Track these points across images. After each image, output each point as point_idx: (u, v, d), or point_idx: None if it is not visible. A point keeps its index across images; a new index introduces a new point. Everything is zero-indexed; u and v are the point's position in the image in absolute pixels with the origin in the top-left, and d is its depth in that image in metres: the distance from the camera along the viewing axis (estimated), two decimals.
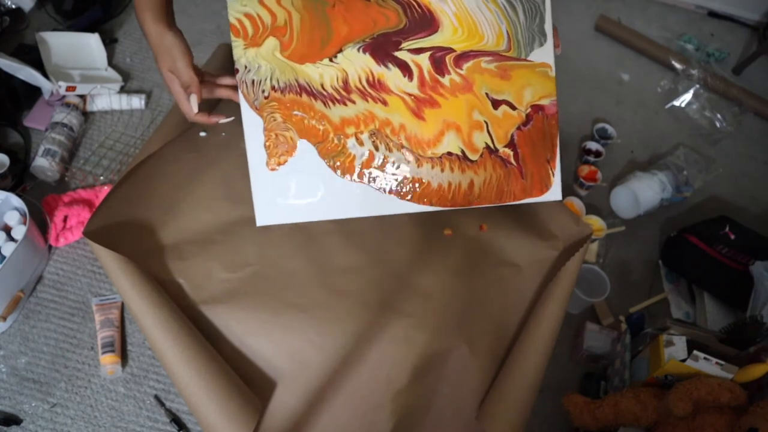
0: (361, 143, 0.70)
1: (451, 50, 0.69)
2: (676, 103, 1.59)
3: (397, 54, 0.69)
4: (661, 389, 0.90)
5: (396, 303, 0.78)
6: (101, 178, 1.16)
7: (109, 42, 1.37)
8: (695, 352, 0.86)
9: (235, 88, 0.72)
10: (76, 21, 1.37)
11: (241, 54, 0.68)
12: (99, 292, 1.02)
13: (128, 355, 0.96)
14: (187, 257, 0.80)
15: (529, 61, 0.71)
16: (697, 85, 1.59)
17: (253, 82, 0.69)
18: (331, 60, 0.68)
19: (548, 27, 0.72)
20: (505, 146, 0.72)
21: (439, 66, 0.69)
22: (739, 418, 0.80)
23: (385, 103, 0.69)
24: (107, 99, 1.25)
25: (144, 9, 0.67)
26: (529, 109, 0.72)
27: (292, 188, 0.72)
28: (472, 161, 0.71)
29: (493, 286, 0.84)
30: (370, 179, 0.72)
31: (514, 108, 0.71)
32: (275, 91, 0.69)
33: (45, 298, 1.00)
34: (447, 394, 0.76)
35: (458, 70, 0.69)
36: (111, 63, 1.35)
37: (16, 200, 0.99)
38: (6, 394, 0.90)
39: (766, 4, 1.82)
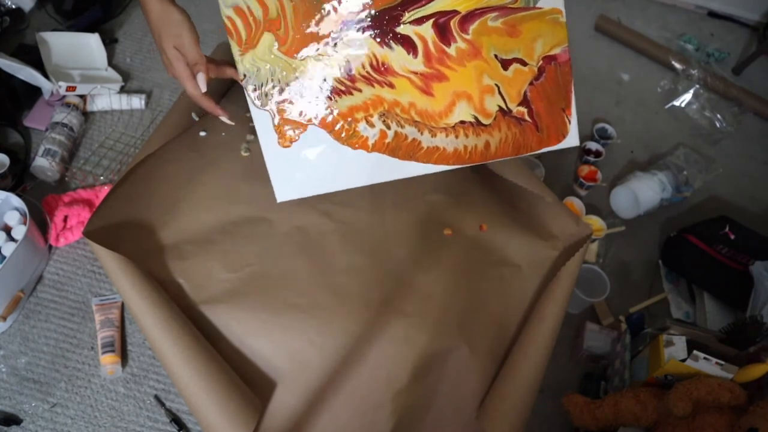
0: (371, 125, 0.69)
1: (455, 13, 0.67)
2: (676, 103, 1.59)
3: (399, 30, 0.66)
4: (661, 389, 0.90)
5: (396, 303, 0.78)
6: (101, 178, 1.16)
7: (109, 42, 1.37)
8: (695, 352, 0.86)
9: None
10: (76, 21, 1.37)
11: (238, 61, 0.67)
12: (99, 292, 1.02)
13: (128, 355, 0.96)
14: (187, 257, 0.80)
15: (539, 8, 0.68)
16: (697, 85, 1.59)
17: (254, 87, 0.69)
18: (334, 47, 0.66)
19: None
20: (519, 105, 0.71)
21: (444, 34, 0.67)
22: (739, 418, 0.80)
23: (391, 86, 0.68)
24: (107, 99, 1.25)
25: None
26: (541, 62, 0.70)
27: (306, 162, 0.71)
28: (485, 125, 0.70)
29: (493, 286, 0.84)
30: (386, 151, 0.71)
31: (525, 64, 0.70)
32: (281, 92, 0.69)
33: (45, 298, 1.00)
34: (447, 394, 0.76)
35: (464, 35, 0.67)
36: (111, 63, 1.35)
37: (16, 200, 0.99)
38: (6, 394, 0.90)
39: (766, 4, 1.82)
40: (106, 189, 1.12)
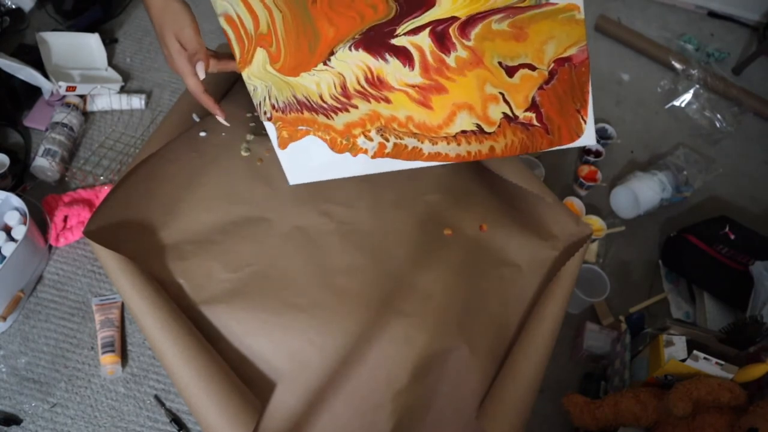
0: (370, 139, 0.69)
1: (453, 19, 0.61)
2: (676, 103, 1.59)
3: (394, 41, 0.62)
4: (661, 389, 0.90)
5: (396, 303, 0.78)
6: (101, 178, 1.16)
7: (109, 42, 1.37)
8: (695, 352, 0.86)
9: None
10: (76, 21, 1.37)
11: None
12: (99, 292, 1.02)
13: (128, 355, 0.96)
14: (187, 257, 0.80)
15: (553, 4, 0.60)
16: (697, 85, 1.59)
17: (258, 103, 0.68)
18: (325, 63, 0.64)
19: None
20: (526, 110, 0.65)
21: (442, 42, 0.61)
22: (739, 418, 0.80)
23: (388, 101, 0.66)
24: (107, 99, 1.25)
25: None
26: (552, 65, 0.63)
27: (314, 154, 0.71)
28: (489, 133, 0.67)
29: (493, 286, 0.84)
30: (387, 157, 0.71)
31: (534, 69, 0.63)
32: (277, 111, 0.68)
33: (45, 298, 1.00)
34: (447, 394, 0.76)
35: (465, 42, 0.61)
36: (111, 63, 1.35)
37: (16, 200, 0.99)
38: (6, 394, 0.90)
39: (766, 4, 1.81)
40: (106, 189, 1.12)
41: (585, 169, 1.33)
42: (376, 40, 0.62)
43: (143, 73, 1.36)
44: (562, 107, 0.66)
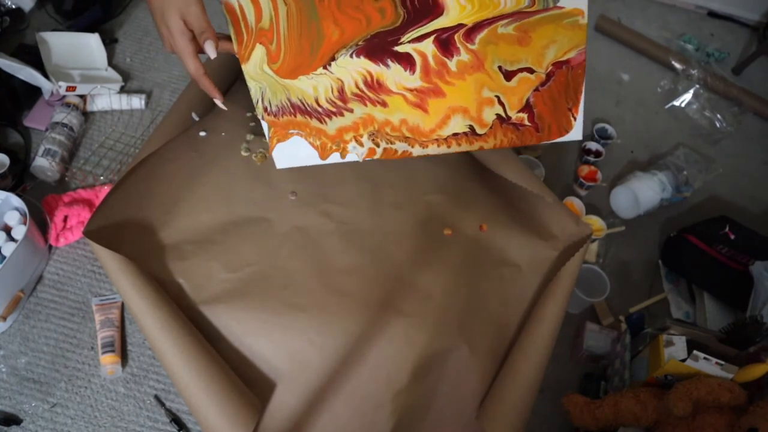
0: (360, 144, 0.68)
1: (459, 27, 0.61)
2: (676, 103, 1.59)
3: (397, 48, 0.62)
4: (661, 389, 0.90)
5: (396, 303, 0.78)
6: (101, 178, 1.16)
7: (109, 42, 1.37)
8: (695, 352, 0.86)
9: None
10: (76, 21, 1.37)
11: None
12: (99, 292, 1.02)
13: (128, 355, 0.96)
14: (187, 257, 0.80)
15: (560, 8, 0.62)
16: (697, 85, 1.59)
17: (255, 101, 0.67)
18: (325, 68, 0.63)
19: None
20: (519, 111, 0.67)
21: (446, 47, 0.62)
22: (739, 418, 0.80)
23: (384, 104, 0.66)
24: (107, 99, 1.25)
25: None
26: (551, 68, 0.65)
27: (302, 153, 0.70)
28: (480, 134, 0.68)
29: (493, 286, 0.84)
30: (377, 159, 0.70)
31: (532, 72, 0.65)
32: (269, 114, 0.66)
33: (45, 298, 1.00)
34: (447, 394, 0.76)
35: (469, 46, 0.62)
36: (111, 63, 1.35)
37: (16, 200, 0.99)
38: (6, 394, 0.90)
39: (766, 4, 1.81)
40: (106, 189, 1.12)
41: (585, 169, 1.33)
42: (379, 47, 0.62)
43: (143, 73, 1.36)
44: (555, 107, 0.67)
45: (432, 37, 0.62)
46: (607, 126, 1.43)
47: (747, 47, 1.81)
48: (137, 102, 1.27)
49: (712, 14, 1.87)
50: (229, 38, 0.66)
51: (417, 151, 0.69)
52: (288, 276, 0.80)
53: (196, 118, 0.92)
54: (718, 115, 1.56)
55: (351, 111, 0.66)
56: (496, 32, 0.62)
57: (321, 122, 0.66)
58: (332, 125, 0.66)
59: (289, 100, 0.65)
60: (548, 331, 0.76)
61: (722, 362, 0.85)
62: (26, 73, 1.17)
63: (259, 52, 0.63)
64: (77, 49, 1.31)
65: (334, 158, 0.68)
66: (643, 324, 1.06)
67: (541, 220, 0.88)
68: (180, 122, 0.88)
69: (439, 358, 0.76)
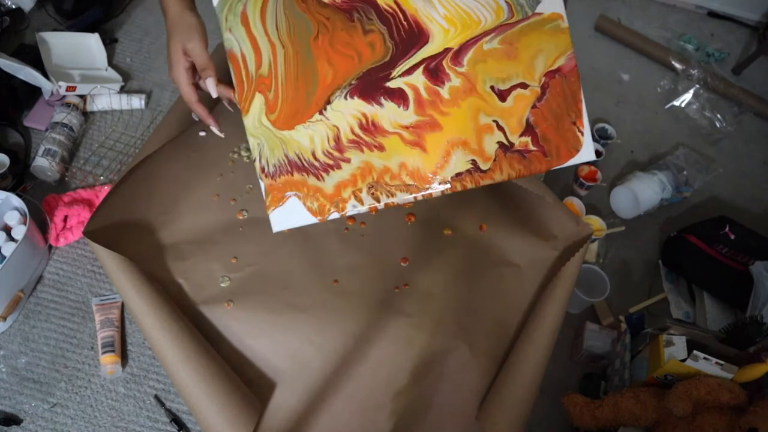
0: (361, 202, 0.64)
1: (446, 51, 0.63)
2: (676, 103, 1.59)
3: (389, 84, 0.62)
4: (661, 389, 0.90)
5: (396, 303, 0.79)
6: (101, 178, 1.16)
7: (109, 42, 1.37)
8: (695, 352, 0.86)
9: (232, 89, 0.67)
10: (76, 21, 1.37)
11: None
12: (99, 292, 1.02)
13: (128, 355, 0.96)
14: (187, 257, 0.80)
15: (538, 14, 0.63)
16: (697, 85, 1.59)
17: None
18: (321, 113, 0.62)
19: None
20: (521, 135, 0.64)
21: (436, 75, 0.63)
22: (739, 418, 0.80)
23: (381, 148, 0.63)
24: (107, 99, 1.25)
25: None
26: (544, 79, 0.64)
27: (299, 209, 0.65)
28: (484, 171, 0.64)
29: (493, 286, 0.84)
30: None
31: (526, 87, 0.64)
32: (267, 176, 0.63)
33: (45, 298, 1.00)
34: (447, 394, 0.76)
35: (458, 69, 0.63)
36: (111, 63, 1.35)
37: (16, 200, 0.99)
38: (6, 394, 0.90)
39: (766, 4, 1.82)
40: (106, 189, 1.12)
41: (585, 169, 1.33)
42: (371, 85, 0.62)
43: (143, 73, 1.36)
44: (558, 123, 0.65)
45: (421, 68, 0.62)
46: (607, 126, 1.43)
47: (747, 47, 1.81)
48: (137, 102, 1.27)
49: (712, 14, 1.87)
50: (230, 84, 0.66)
51: (420, 197, 0.65)
52: (288, 276, 0.80)
53: (196, 118, 0.92)
54: (718, 115, 1.56)
55: (348, 161, 0.63)
56: (482, 49, 0.63)
57: (318, 179, 0.63)
58: (330, 181, 0.63)
59: (287, 157, 0.63)
60: (548, 331, 0.76)
61: (722, 362, 0.85)
62: (26, 73, 1.17)
63: (258, 102, 0.62)
64: (77, 49, 1.31)
65: (333, 216, 0.65)
66: (643, 324, 1.06)
67: (541, 220, 0.88)
68: (180, 122, 0.88)
69: (439, 358, 0.76)
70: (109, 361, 0.93)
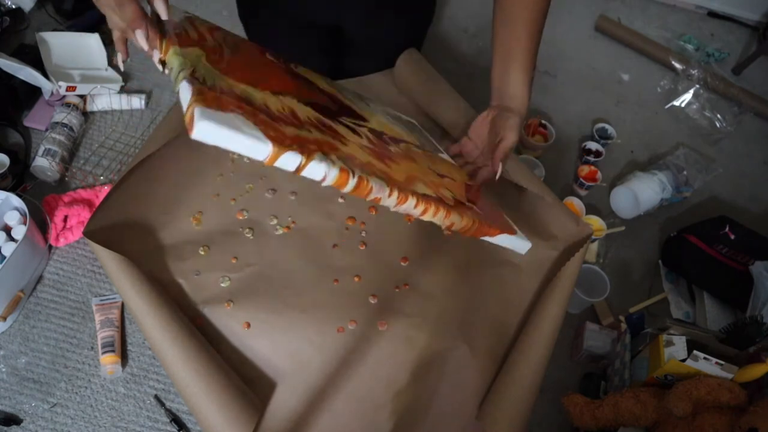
0: (331, 162, 0.50)
1: (384, 133, 0.69)
2: (676, 103, 1.59)
3: (341, 119, 0.65)
4: (661, 389, 0.90)
5: (396, 303, 0.79)
6: (101, 178, 1.16)
7: (109, 42, 1.37)
8: (695, 352, 0.86)
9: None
10: (76, 21, 1.37)
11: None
12: (99, 292, 1.02)
13: (128, 355, 0.96)
14: (187, 257, 0.80)
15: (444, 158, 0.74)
16: (697, 85, 1.59)
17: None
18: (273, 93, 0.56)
19: (445, 156, 0.77)
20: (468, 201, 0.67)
21: (381, 138, 0.67)
22: (739, 418, 0.80)
23: (344, 142, 0.56)
24: (107, 99, 1.25)
25: None
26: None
27: (245, 126, 0.49)
28: (449, 205, 0.60)
29: (493, 286, 0.84)
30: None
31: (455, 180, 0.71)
32: (202, 84, 0.48)
33: (45, 298, 1.00)
34: (447, 394, 0.76)
35: (397, 147, 0.68)
36: (111, 63, 1.35)
37: (16, 200, 0.99)
38: (6, 394, 0.90)
39: (766, 4, 1.82)
40: (106, 189, 1.12)
41: (585, 169, 1.33)
42: (323, 109, 0.63)
43: (143, 73, 1.36)
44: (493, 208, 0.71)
45: (365, 128, 0.66)
46: (607, 126, 1.43)
47: (747, 47, 1.81)
48: (137, 102, 1.27)
49: (712, 14, 1.87)
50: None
51: (391, 201, 0.53)
52: (288, 276, 0.80)
53: None
54: (718, 115, 1.56)
55: (309, 131, 0.53)
56: (411, 149, 0.69)
57: (275, 122, 0.50)
58: (288, 130, 0.50)
59: (232, 90, 0.50)
60: (548, 331, 0.76)
61: (722, 362, 0.85)
62: (26, 73, 1.17)
63: (195, 51, 0.57)
64: (77, 49, 1.31)
65: (288, 161, 0.46)
66: (643, 324, 1.06)
67: (541, 220, 0.87)
68: (180, 122, 0.87)
69: (439, 358, 0.76)
70: (109, 361, 0.93)
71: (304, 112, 0.57)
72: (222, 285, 0.79)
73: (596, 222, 1.23)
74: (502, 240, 0.67)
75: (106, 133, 1.23)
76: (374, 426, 0.72)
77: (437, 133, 0.93)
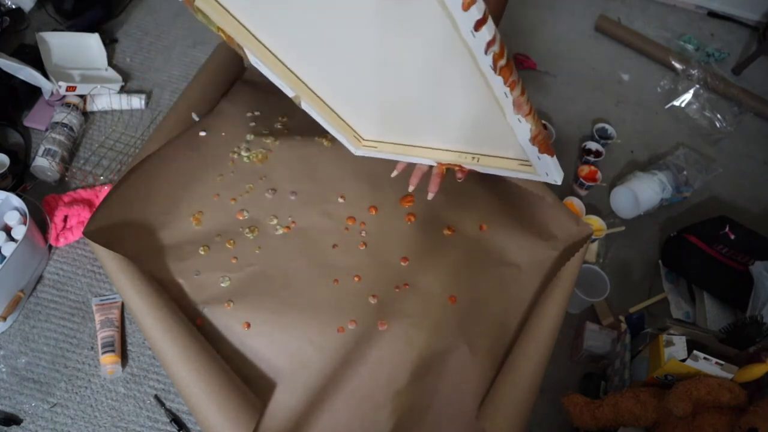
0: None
1: None
2: (676, 103, 1.59)
3: None
4: (661, 389, 0.90)
5: (396, 303, 0.78)
6: (101, 178, 1.16)
7: (109, 42, 1.37)
8: (695, 352, 0.86)
9: None
10: (76, 21, 1.37)
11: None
12: (99, 292, 1.02)
13: (128, 355, 0.96)
14: (187, 257, 0.80)
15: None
16: (697, 85, 1.59)
17: None
18: None
19: None
20: None
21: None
22: (739, 418, 0.80)
23: None
24: (107, 99, 1.25)
25: None
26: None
27: None
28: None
29: (493, 286, 0.84)
30: None
31: None
32: None
33: (45, 298, 1.00)
34: (447, 394, 0.76)
35: None
36: (111, 63, 1.35)
37: (16, 200, 0.99)
38: (6, 394, 0.90)
39: (766, 4, 1.81)
40: (106, 189, 1.12)
41: (585, 169, 1.33)
42: None
43: (143, 73, 1.36)
44: None
45: None
46: (607, 126, 1.43)
47: (747, 47, 1.81)
48: (137, 102, 1.27)
49: (712, 14, 1.87)
50: None
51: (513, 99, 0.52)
52: (288, 276, 0.80)
53: (196, 118, 0.92)
54: (718, 115, 1.56)
55: None
56: None
57: None
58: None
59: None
60: (548, 331, 0.76)
61: (722, 362, 0.85)
62: (26, 73, 1.17)
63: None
64: (77, 49, 1.31)
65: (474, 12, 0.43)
66: (643, 324, 1.06)
67: (541, 220, 0.88)
68: (180, 122, 0.88)
69: (439, 358, 0.76)
70: (109, 361, 0.92)
71: None
72: (222, 285, 0.79)
73: (596, 222, 1.22)
74: (548, 163, 0.62)
75: (106, 133, 1.23)
76: (374, 426, 0.72)
77: None
